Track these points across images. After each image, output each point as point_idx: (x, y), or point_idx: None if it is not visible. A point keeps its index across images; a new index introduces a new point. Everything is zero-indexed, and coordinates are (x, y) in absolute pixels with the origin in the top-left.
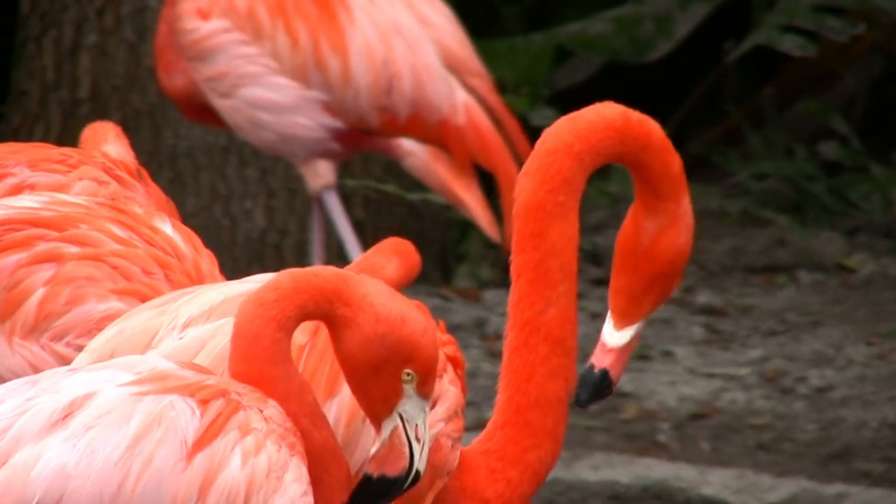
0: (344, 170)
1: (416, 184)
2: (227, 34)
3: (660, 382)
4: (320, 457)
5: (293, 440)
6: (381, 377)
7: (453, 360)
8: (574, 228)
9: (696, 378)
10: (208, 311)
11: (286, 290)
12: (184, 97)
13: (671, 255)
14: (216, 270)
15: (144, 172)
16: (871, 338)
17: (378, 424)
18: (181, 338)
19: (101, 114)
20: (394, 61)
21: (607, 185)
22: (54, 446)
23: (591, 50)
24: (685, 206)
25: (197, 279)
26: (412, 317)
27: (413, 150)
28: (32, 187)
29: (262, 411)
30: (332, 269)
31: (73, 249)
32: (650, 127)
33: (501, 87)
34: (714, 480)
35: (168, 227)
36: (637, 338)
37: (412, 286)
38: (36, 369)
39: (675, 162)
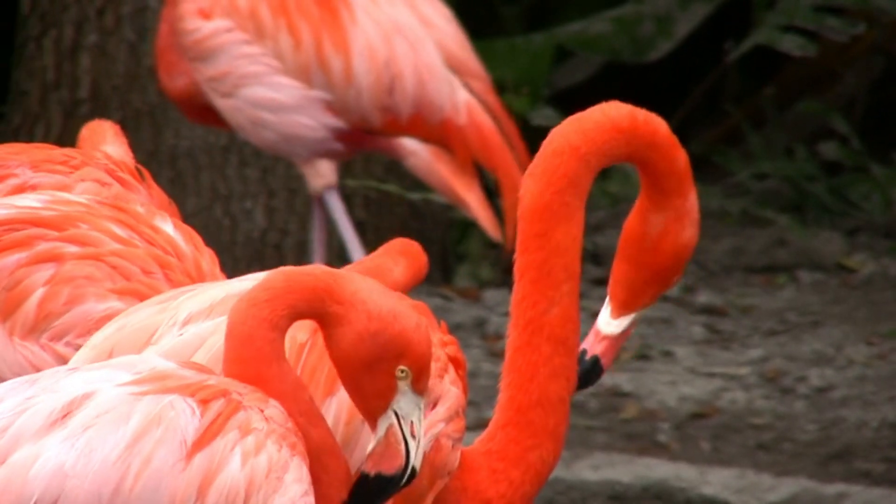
0: (345, 170)
1: (416, 184)
2: (229, 34)
3: (660, 382)
4: (318, 455)
5: (294, 440)
6: (374, 374)
7: (454, 361)
8: (579, 229)
9: (696, 378)
10: (209, 308)
11: (278, 290)
12: (185, 98)
13: (676, 248)
14: (217, 269)
15: (146, 173)
16: (871, 338)
17: (373, 422)
18: (181, 334)
19: (101, 114)
20: (396, 61)
21: (607, 185)
22: (53, 446)
23: (591, 50)
24: (692, 202)
25: (198, 278)
26: (404, 313)
27: (415, 150)
28: (34, 188)
29: (262, 411)
30: (323, 267)
31: (73, 249)
32: (656, 125)
33: (501, 88)
34: (714, 480)
35: (169, 227)
36: (632, 328)
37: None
38: (36, 369)
39: (682, 158)
